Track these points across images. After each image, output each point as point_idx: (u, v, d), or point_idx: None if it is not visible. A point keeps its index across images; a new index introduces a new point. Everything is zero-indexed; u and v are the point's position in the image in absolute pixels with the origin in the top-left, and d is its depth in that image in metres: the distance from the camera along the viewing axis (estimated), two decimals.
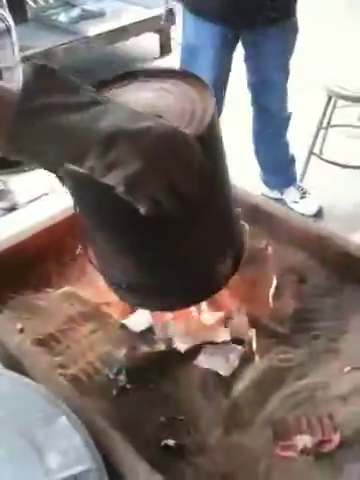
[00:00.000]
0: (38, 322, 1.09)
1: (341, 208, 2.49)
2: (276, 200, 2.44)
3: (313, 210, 2.48)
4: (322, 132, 2.67)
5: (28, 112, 0.64)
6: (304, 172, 2.62)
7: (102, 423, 0.80)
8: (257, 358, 1.01)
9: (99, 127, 0.65)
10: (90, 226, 0.90)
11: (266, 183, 2.58)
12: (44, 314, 1.12)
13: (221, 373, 0.98)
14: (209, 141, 0.76)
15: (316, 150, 2.62)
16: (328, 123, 2.69)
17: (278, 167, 2.52)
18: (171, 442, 0.88)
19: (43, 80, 0.65)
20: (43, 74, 0.66)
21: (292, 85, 2.31)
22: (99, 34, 3.73)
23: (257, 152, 2.49)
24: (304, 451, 0.85)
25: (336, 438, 0.86)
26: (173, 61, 4.08)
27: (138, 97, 0.83)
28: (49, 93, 0.65)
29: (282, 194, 2.55)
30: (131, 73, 0.90)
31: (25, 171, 2.51)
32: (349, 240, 1.16)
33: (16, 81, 2.27)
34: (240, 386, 0.97)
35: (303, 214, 2.39)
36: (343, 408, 0.92)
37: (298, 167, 2.60)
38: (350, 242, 1.15)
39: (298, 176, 2.60)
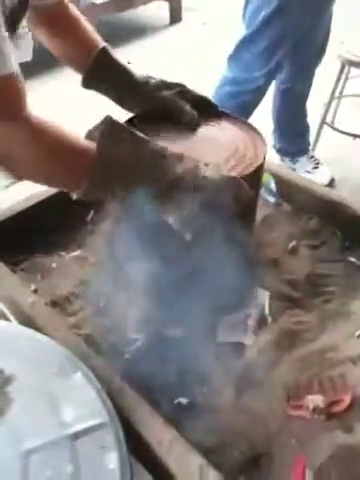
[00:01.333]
0: (51, 284, 1.10)
1: (352, 179, 2.47)
2: None
3: (325, 181, 2.46)
4: (334, 103, 2.63)
5: (105, 166, 0.78)
6: (316, 142, 2.60)
7: (116, 379, 0.80)
8: (270, 321, 1.01)
9: (161, 184, 0.81)
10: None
11: (280, 151, 2.56)
12: (56, 277, 1.13)
13: (246, 343, 0.98)
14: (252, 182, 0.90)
15: (328, 120, 2.59)
16: (340, 93, 2.66)
17: (296, 131, 2.49)
18: (184, 400, 0.89)
19: (115, 135, 0.79)
20: (115, 130, 0.80)
21: None
22: (106, 1, 3.67)
23: (278, 113, 2.45)
24: (315, 411, 0.85)
25: (347, 398, 0.87)
26: (183, 30, 4.03)
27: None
28: (118, 148, 0.79)
29: (294, 164, 2.53)
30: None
31: None
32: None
33: (27, 46, 2.24)
34: (253, 348, 0.97)
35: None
36: (354, 369, 0.92)
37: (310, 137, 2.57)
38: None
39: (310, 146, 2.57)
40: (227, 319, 1.01)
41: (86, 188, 0.78)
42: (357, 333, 0.99)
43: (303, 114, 2.45)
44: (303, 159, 2.51)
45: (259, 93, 2.16)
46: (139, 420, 0.75)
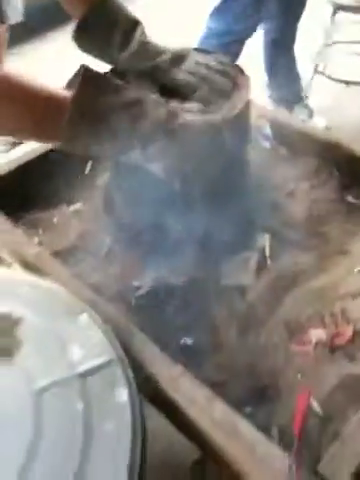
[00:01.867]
0: (53, 237, 1.11)
1: (347, 126, 2.45)
2: None
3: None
4: (326, 50, 2.60)
5: (80, 116, 0.77)
6: (309, 90, 2.58)
7: (122, 320, 0.82)
8: (270, 263, 1.02)
9: (141, 127, 0.80)
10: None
11: (276, 100, 2.56)
12: (58, 230, 1.13)
13: (245, 283, 1.00)
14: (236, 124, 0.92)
15: (320, 69, 2.57)
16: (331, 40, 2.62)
17: (288, 79, 2.49)
18: (189, 341, 0.91)
19: (91, 85, 0.79)
20: (90, 79, 0.79)
21: None
22: None
23: (269, 63, 2.46)
24: (319, 344, 0.87)
25: (349, 330, 0.89)
26: None
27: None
28: (96, 97, 0.79)
29: (290, 112, 2.53)
30: None
31: None
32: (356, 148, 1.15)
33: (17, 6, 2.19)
34: (254, 289, 0.99)
35: None
36: (354, 304, 0.94)
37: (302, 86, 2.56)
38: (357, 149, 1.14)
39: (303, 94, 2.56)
40: (228, 262, 1.02)
41: (66, 138, 0.78)
42: (356, 269, 1.00)
43: (292, 61, 2.46)
44: (298, 107, 2.51)
45: (243, 44, 2.16)
46: (146, 358, 0.77)
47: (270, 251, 1.04)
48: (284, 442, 0.74)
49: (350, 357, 0.86)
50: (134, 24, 0.97)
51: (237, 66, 1.01)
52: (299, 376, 0.84)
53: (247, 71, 1.00)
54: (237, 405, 0.79)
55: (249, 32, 2.11)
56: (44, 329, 0.76)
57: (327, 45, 2.58)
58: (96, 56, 1.00)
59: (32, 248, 0.95)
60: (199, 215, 0.97)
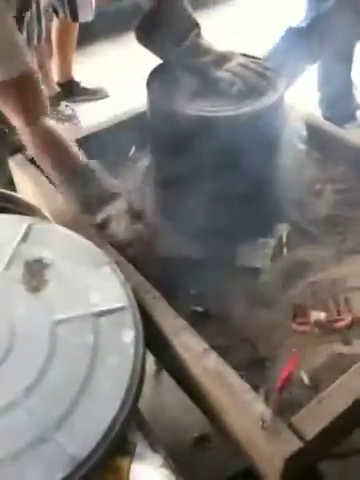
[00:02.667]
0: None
1: None
2: None
3: None
4: None
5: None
6: None
7: (138, 277, 0.91)
8: (286, 251, 1.10)
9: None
10: None
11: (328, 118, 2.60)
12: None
13: (258, 266, 1.08)
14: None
15: None
16: None
17: (343, 94, 2.54)
18: (199, 309, 0.99)
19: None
20: None
21: None
22: None
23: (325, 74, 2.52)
24: (317, 324, 0.94)
25: (348, 317, 0.95)
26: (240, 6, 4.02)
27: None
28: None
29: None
30: None
31: (91, 100, 2.65)
32: None
33: (89, 6, 2.34)
34: (267, 273, 1.06)
35: None
36: (359, 296, 1.00)
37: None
38: None
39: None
40: (246, 245, 1.10)
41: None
42: None
43: (348, 77, 2.49)
44: (349, 126, 2.55)
45: None
46: (154, 310, 0.86)
47: (288, 241, 1.11)
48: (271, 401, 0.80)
49: (345, 341, 0.92)
50: (192, 25, 1.08)
51: (276, 70, 1.10)
52: (294, 349, 0.91)
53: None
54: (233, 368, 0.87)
55: None
56: (70, 274, 0.86)
57: None
58: (151, 50, 1.11)
59: (70, 210, 1.05)
60: (225, 197, 1.05)
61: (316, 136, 1.28)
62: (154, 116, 1.08)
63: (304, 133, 1.29)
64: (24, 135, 1.08)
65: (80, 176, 1.06)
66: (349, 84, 2.51)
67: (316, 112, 2.60)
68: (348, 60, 2.42)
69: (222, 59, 1.09)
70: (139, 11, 1.11)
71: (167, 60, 1.11)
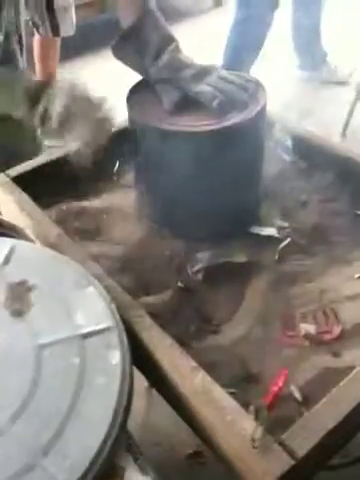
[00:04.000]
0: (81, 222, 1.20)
1: None
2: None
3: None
4: None
5: None
6: (345, 130, 2.63)
7: (126, 297, 0.90)
8: (274, 261, 1.09)
9: None
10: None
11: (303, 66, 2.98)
12: (83, 220, 1.23)
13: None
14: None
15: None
16: None
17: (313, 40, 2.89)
18: (192, 327, 0.98)
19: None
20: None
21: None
22: None
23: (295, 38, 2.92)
24: (306, 337, 0.93)
25: (338, 329, 0.94)
26: (226, 14, 4.05)
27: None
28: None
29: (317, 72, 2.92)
30: None
31: None
32: None
33: (70, 20, 2.35)
34: (255, 286, 1.06)
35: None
36: (349, 306, 0.99)
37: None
38: None
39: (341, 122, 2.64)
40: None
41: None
42: (356, 276, 1.06)
43: (318, 37, 2.88)
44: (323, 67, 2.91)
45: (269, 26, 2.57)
46: (141, 328, 0.85)
47: (276, 252, 1.11)
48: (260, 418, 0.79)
49: (334, 353, 0.91)
50: (168, 40, 1.08)
51: (257, 81, 1.10)
52: (284, 364, 0.90)
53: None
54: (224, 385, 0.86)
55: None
56: (54, 296, 0.85)
57: None
58: (129, 66, 1.11)
59: (54, 229, 1.04)
60: (209, 211, 1.06)
61: (301, 146, 1.28)
62: (134, 133, 1.08)
63: (289, 144, 1.29)
64: None
65: None
66: (317, 32, 2.89)
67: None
68: (316, 10, 2.65)
69: (202, 73, 1.08)
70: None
71: (146, 76, 1.11)
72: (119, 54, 1.10)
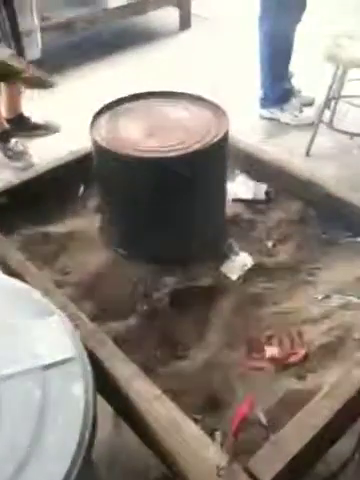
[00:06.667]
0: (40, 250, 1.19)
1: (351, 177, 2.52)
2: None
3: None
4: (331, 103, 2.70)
5: None
6: (312, 141, 2.66)
7: (89, 325, 0.89)
8: (238, 285, 1.09)
9: None
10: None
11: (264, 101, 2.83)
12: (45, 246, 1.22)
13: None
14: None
15: (325, 119, 2.66)
16: (339, 94, 2.72)
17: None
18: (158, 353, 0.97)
19: None
20: None
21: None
22: (119, 6, 3.78)
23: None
24: (272, 360, 0.93)
25: (302, 351, 0.95)
26: (193, 36, 4.12)
27: (164, 110, 1.11)
28: None
29: (283, 112, 2.80)
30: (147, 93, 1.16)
31: (42, 136, 2.63)
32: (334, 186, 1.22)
33: (35, 44, 2.37)
34: (221, 308, 1.05)
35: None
36: (312, 328, 1.00)
37: (307, 136, 2.65)
38: (333, 186, 1.22)
39: (306, 145, 2.65)
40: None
41: None
42: (319, 297, 1.06)
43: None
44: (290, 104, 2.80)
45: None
46: (104, 357, 0.84)
47: (244, 275, 1.11)
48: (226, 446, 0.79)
49: (298, 376, 0.92)
50: None
51: (220, 108, 1.11)
52: (249, 387, 0.90)
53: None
54: (190, 412, 0.86)
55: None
56: (14, 326, 0.83)
57: (332, 98, 2.68)
58: None
59: (16, 255, 1.03)
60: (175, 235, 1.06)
61: (264, 169, 1.30)
62: (97, 157, 1.07)
63: (252, 168, 1.30)
64: None
65: None
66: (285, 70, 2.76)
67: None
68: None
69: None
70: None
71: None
72: None
